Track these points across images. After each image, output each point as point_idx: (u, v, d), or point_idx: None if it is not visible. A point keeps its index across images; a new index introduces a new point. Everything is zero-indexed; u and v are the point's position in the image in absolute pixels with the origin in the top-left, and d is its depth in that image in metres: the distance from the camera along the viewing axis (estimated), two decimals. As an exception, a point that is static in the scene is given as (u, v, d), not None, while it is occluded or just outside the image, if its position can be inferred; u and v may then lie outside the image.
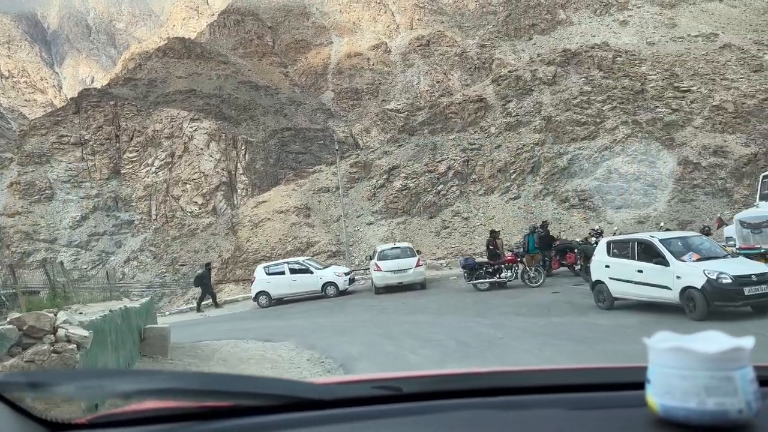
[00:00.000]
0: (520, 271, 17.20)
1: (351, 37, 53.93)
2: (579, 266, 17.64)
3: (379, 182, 32.09)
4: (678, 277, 10.39)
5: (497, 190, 30.35)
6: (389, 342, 10.19)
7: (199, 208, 37.11)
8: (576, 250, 18.17)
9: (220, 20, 59.96)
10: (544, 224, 20.25)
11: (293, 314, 17.11)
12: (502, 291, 16.67)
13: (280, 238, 29.54)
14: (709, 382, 0.96)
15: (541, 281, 16.76)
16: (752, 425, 0.98)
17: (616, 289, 11.91)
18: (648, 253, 11.28)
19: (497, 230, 20.30)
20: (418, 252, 20.93)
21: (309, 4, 59.95)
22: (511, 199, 29.69)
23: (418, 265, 19.57)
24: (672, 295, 10.55)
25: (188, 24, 72.08)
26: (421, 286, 19.53)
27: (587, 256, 16.51)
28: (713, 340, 1.00)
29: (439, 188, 30.84)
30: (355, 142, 41.80)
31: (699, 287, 9.95)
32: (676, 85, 32.49)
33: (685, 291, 10.23)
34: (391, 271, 19.25)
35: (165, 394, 1.08)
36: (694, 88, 31.96)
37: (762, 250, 12.10)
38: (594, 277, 12.70)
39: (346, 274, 21.19)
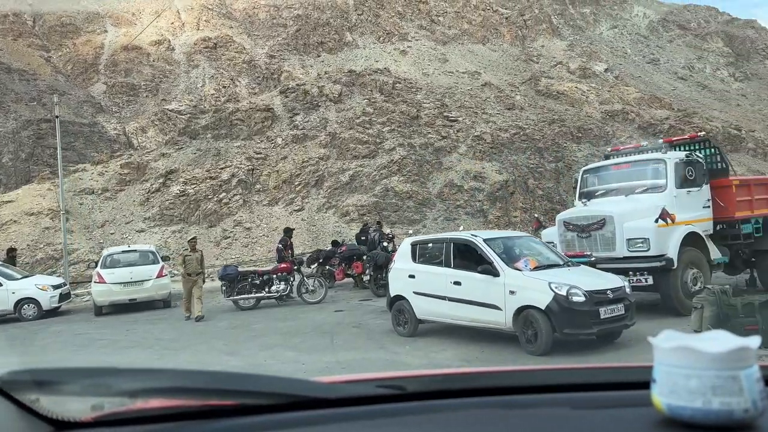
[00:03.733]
0: (296, 283, 14.32)
1: (129, 29, 49.57)
2: (368, 276, 15.38)
3: (154, 186, 29.76)
4: (511, 293, 7.66)
5: (282, 201, 30.21)
6: None
7: None
8: (365, 258, 15.90)
9: (-37, -14, 50.70)
10: (378, 224, 17.51)
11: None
12: (272, 309, 13.72)
13: (29, 244, 25.61)
14: (714, 381, 0.96)
15: (322, 296, 14.17)
16: (758, 425, 0.99)
17: (423, 308, 9.01)
18: (469, 258, 8.41)
19: (292, 228, 17.34)
20: (165, 258, 16.77)
21: (80, -15, 53.75)
22: (295, 210, 29.76)
23: (160, 276, 15.12)
24: (501, 318, 7.86)
25: None
26: (164, 303, 15.33)
27: (378, 265, 14.76)
28: (719, 339, 1.01)
29: (221, 196, 29.65)
30: (129, 141, 38.31)
31: (543, 308, 7.33)
32: (445, 114, 35.86)
33: (522, 312, 7.58)
34: (120, 283, 14.66)
35: (170, 392, 1.08)
36: (461, 118, 35.60)
37: (592, 258, 9.68)
38: (393, 291, 9.58)
39: (56, 287, 15.80)
